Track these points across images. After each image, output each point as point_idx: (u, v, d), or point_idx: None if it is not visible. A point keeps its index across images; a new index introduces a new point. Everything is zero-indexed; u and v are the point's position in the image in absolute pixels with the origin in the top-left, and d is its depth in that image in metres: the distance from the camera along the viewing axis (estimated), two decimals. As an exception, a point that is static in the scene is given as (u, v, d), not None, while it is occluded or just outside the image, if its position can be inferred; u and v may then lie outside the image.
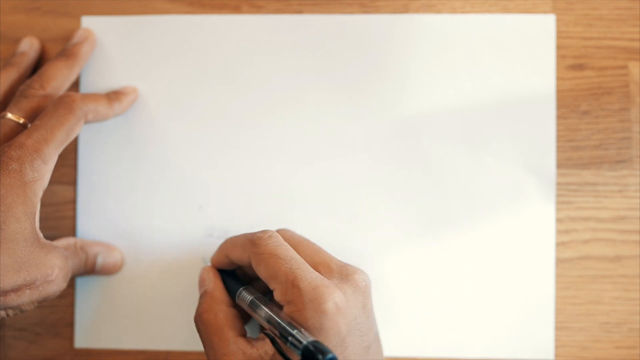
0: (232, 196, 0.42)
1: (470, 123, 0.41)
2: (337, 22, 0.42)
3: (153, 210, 0.42)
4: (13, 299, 0.33)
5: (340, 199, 0.41)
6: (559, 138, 0.41)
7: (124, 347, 0.42)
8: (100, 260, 0.40)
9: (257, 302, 0.34)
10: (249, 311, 0.34)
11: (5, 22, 0.43)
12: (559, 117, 0.41)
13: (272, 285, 0.33)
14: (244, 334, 0.34)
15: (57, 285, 0.36)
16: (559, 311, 0.41)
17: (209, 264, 0.38)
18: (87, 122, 0.38)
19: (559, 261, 0.41)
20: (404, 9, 0.42)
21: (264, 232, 0.34)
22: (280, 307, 0.33)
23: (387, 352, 0.41)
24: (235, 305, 0.36)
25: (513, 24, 0.41)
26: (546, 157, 0.41)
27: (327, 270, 0.34)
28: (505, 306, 0.41)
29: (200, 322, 0.35)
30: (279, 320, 0.31)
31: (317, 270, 0.33)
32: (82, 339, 0.42)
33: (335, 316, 0.31)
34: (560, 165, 0.41)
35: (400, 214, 0.41)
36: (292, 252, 0.33)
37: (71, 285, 0.42)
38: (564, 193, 0.41)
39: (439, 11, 0.42)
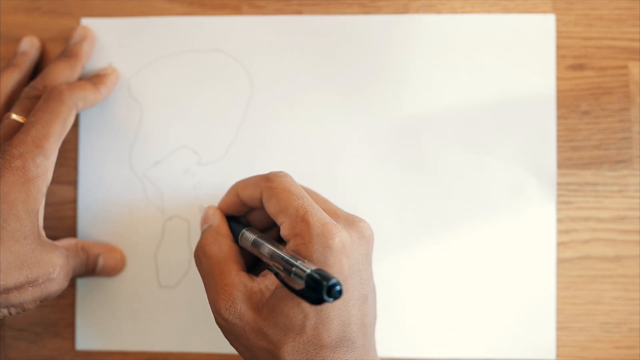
0: (232, 196, 0.42)
1: (470, 123, 0.41)
2: (337, 23, 0.42)
3: (153, 211, 0.42)
4: (15, 297, 0.34)
5: (341, 199, 0.41)
6: (559, 138, 0.41)
7: (124, 348, 0.42)
8: (101, 262, 0.40)
9: (260, 240, 0.34)
10: (252, 250, 0.34)
11: (5, 22, 0.43)
12: (559, 117, 0.41)
13: (280, 219, 0.33)
14: (245, 271, 0.35)
15: (58, 283, 0.36)
16: (559, 311, 0.41)
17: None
18: (78, 110, 0.38)
19: (559, 261, 0.41)
20: (404, 9, 0.42)
21: (279, 171, 0.35)
22: (284, 246, 0.33)
23: (387, 353, 0.41)
24: (237, 245, 0.36)
25: (513, 24, 0.42)
26: (546, 157, 0.41)
27: (334, 216, 0.34)
28: (506, 306, 0.41)
29: (203, 253, 0.35)
30: (282, 254, 0.32)
31: None
32: (83, 341, 0.42)
33: (339, 254, 0.32)
34: (560, 165, 0.41)
35: (400, 214, 0.41)
36: (304, 192, 0.34)
37: (72, 285, 0.42)
38: (564, 193, 0.41)
39: (439, 11, 0.42)
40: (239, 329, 0.33)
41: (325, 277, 0.28)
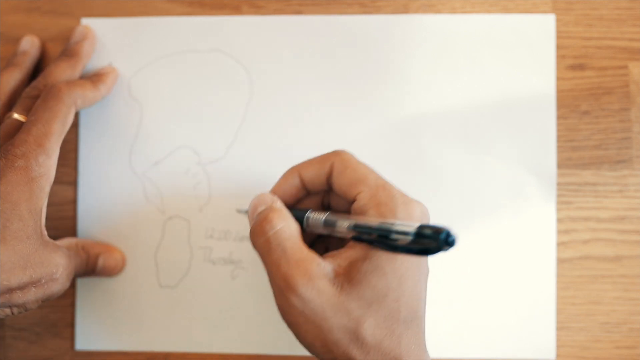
0: (233, 197, 0.42)
1: (471, 123, 0.41)
2: (337, 23, 0.42)
3: (153, 211, 0.42)
4: (19, 297, 0.34)
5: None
6: (559, 138, 0.41)
7: (124, 348, 0.42)
8: (101, 261, 0.40)
9: (333, 216, 0.33)
10: (326, 230, 0.33)
11: (5, 22, 0.43)
12: (559, 117, 0.41)
13: (358, 189, 0.33)
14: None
15: (61, 284, 0.36)
16: (559, 311, 0.41)
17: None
18: (77, 108, 0.38)
19: (559, 261, 0.41)
20: (404, 9, 0.42)
21: (342, 149, 0.35)
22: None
23: (387, 352, 0.41)
24: None
25: (513, 24, 0.42)
26: (546, 157, 0.41)
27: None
28: (506, 306, 0.41)
29: (271, 227, 0.33)
30: (370, 222, 0.31)
31: None
32: (83, 341, 0.42)
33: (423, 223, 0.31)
34: (560, 165, 0.41)
35: (400, 214, 0.41)
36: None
37: (72, 286, 0.42)
38: (564, 193, 0.41)
39: (439, 11, 0.42)
40: (316, 306, 0.31)
41: (437, 227, 0.28)
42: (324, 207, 0.37)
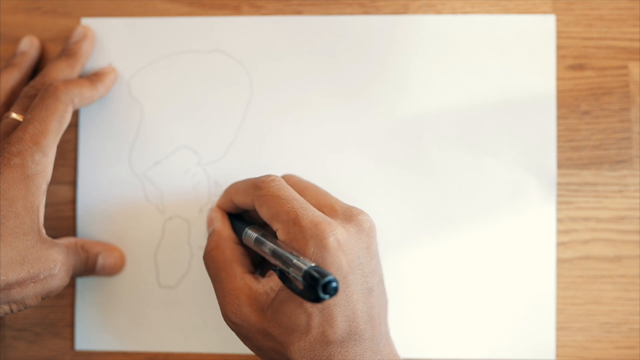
0: (232, 196, 0.42)
1: (470, 123, 0.41)
2: (337, 23, 0.42)
3: (153, 211, 0.42)
4: (17, 292, 0.34)
5: (340, 199, 0.41)
6: (559, 138, 0.41)
7: (124, 348, 0.42)
8: (101, 261, 0.40)
9: (262, 238, 0.34)
10: (255, 248, 0.35)
11: (5, 22, 0.43)
12: (559, 117, 0.41)
13: (274, 226, 0.33)
14: (251, 272, 0.35)
15: (60, 279, 0.36)
16: (559, 311, 0.41)
17: None
18: (74, 107, 0.38)
19: (559, 261, 0.41)
20: (404, 9, 0.42)
21: (267, 176, 0.35)
22: None
23: (387, 352, 0.41)
24: (242, 244, 0.36)
25: (513, 24, 0.42)
26: (546, 157, 0.41)
27: (332, 212, 0.34)
28: (506, 306, 0.41)
29: (209, 258, 0.36)
30: (282, 251, 0.32)
31: (321, 212, 0.34)
32: (83, 341, 0.42)
33: (336, 251, 0.31)
34: (560, 165, 0.41)
35: (400, 214, 0.41)
36: (294, 194, 0.34)
37: (71, 285, 0.42)
38: (564, 193, 0.41)
39: (439, 12, 0.42)
40: (247, 331, 0.33)
41: (322, 273, 0.28)
42: None
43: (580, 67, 0.41)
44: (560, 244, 0.41)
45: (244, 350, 0.41)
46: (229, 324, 0.34)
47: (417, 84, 0.42)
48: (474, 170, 0.41)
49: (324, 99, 0.42)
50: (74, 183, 0.43)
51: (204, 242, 0.42)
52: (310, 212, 0.33)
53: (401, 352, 0.41)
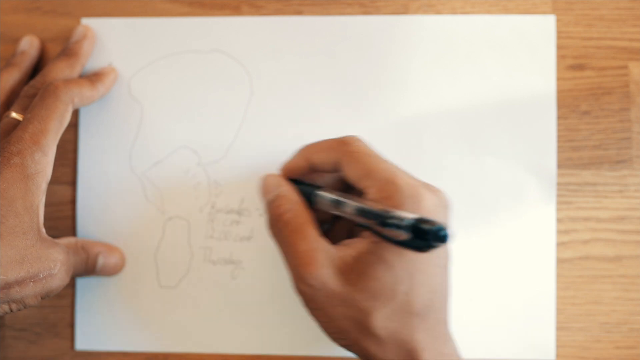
0: (233, 197, 0.42)
1: (470, 123, 0.41)
2: (337, 23, 0.42)
3: (153, 211, 0.42)
4: (17, 292, 0.34)
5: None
6: (559, 138, 0.41)
7: (124, 348, 0.42)
8: (101, 261, 0.40)
9: (342, 198, 0.33)
10: (333, 210, 0.33)
11: (5, 22, 0.43)
12: (559, 117, 0.41)
13: (365, 183, 0.33)
14: (324, 236, 0.34)
15: (60, 279, 0.36)
16: (559, 311, 0.41)
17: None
18: (74, 107, 0.38)
19: (559, 261, 0.41)
20: (404, 10, 0.42)
21: (352, 135, 0.34)
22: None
23: (387, 352, 0.41)
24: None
25: (513, 24, 0.42)
26: (546, 157, 0.41)
27: (413, 179, 0.34)
28: (506, 306, 0.41)
29: (281, 223, 0.34)
30: (373, 209, 0.30)
31: None
32: (83, 341, 0.42)
33: (431, 215, 0.31)
34: (560, 165, 0.41)
35: (400, 214, 0.41)
36: (383, 156, 0.33)
37: (71, 285, 0.42)
38: (564, 193, 0.41)
39: (439, 12, 0.42)
40: (324, 296, 0.32)
41: (431, 222, 0.28)
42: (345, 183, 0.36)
43: (580, 67, 0.41)
44: (560, 244, 0.41)
45: (244, 350, 0.41)
46: (303, 289, 0.32)
47: (417, 84, 0.42)
48: (474, 170, 0.41)
49: (324, 99, 0.42)
50: (73, 183, 0.43)
51: (204, 242, 0.42)
52: (405, 174, 0.32)
53: (401, 352, 0.41)
